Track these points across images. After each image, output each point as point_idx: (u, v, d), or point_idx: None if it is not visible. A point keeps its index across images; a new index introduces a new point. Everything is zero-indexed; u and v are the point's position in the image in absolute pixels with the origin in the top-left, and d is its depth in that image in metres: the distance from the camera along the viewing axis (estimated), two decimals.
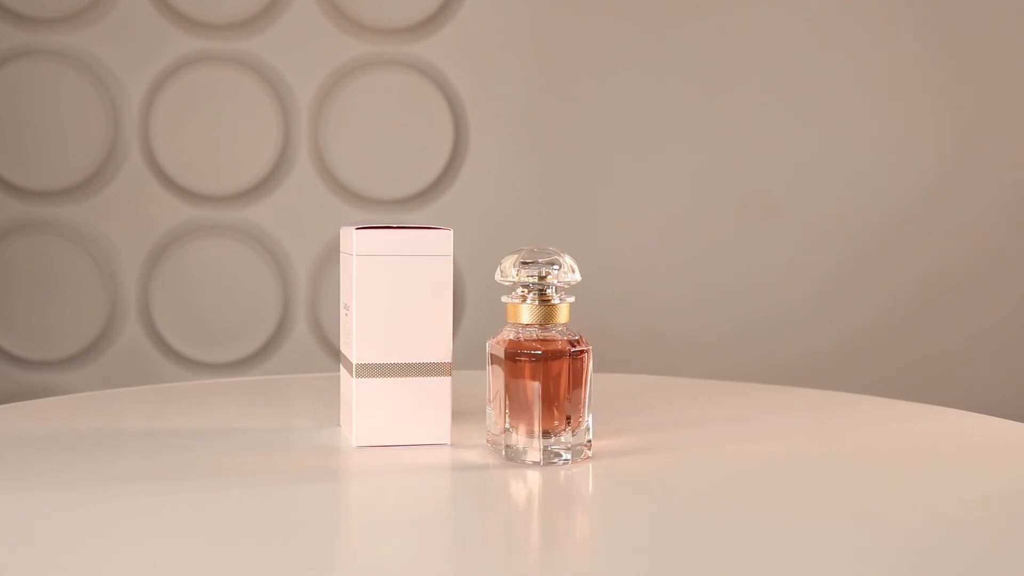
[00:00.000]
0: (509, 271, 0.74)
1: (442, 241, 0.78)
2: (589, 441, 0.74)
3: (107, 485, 0.69)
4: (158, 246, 1.75)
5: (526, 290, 0.74)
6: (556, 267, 0.73)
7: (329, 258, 1.76)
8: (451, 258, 0.79)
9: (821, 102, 1.77)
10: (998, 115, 1.77)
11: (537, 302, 0.73)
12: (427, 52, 1.75)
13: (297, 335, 1.76)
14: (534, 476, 0.72)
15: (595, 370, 1.17)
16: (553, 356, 0.73)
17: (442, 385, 0.79)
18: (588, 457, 0.74)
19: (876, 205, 1.77)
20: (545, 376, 0.72)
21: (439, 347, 0.79)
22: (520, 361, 0.73)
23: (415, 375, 0.78)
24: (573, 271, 0.74)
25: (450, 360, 0.79)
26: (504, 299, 0.75)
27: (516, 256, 0.74)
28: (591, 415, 0.75)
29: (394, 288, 0.78)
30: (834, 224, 1.77)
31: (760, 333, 1.78)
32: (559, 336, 0.74)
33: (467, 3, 1.74)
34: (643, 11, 1.76)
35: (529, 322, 0.74)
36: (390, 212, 1.76)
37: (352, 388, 0.78)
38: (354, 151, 1.76)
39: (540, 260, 0.74)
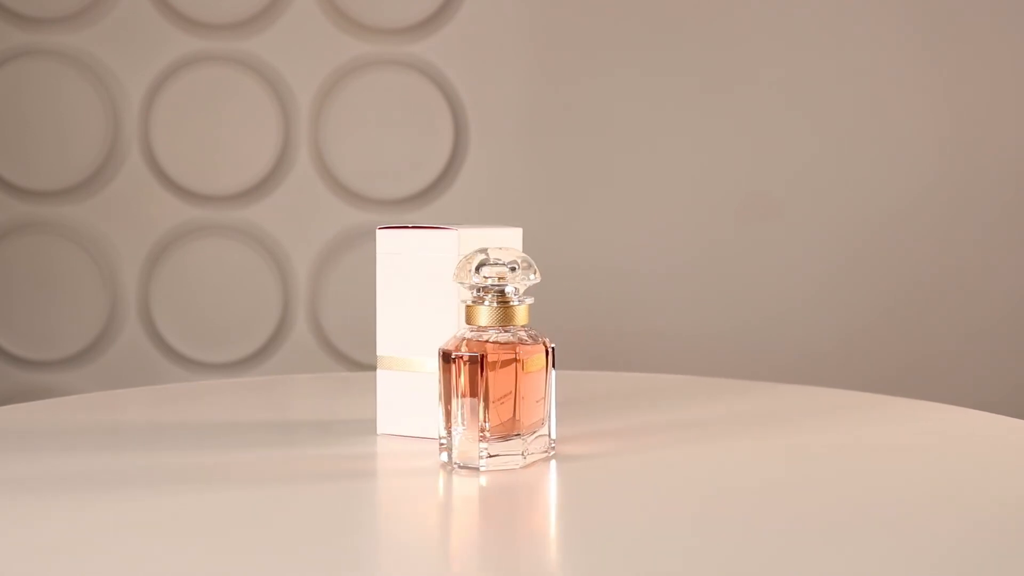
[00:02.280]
0: (467, 272, 0.73)
1: (455, 241, 0.79)
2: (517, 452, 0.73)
3: (119, 486, 0.69)
4: (158, 246, 1.75)
5: (484, 292, 0.73)
6: (514, 268, 0.73)
7: (329, 258, 1.76)
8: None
9: (821, 102, 1.77)
10: (998, 115, 1.77)
11: (495, 304, 0.73)
12: (427, 52, 1.75)
13: (297, 335, 1.76)
14: (461, 482, 0.72)
15: (594, 369, 1.17)
16: (466, 361, 0.72)
17: None
18: (513, 466, 0.73)
19: (876, 205, 1.77)
20: (468, 380, 0.72)
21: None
22: (445, 363, 0.72)
23: (433, 370, 0.80)
24: (534, 273, 0.74)
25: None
26: (462, 301, 0.74)
27: (474, 257, 0.73)
28: (512, 420, 0.73)
29: (415, 285, 0.80)
30: (834, 224, 1.77)
31: (760, 333, 1.78)
32: (494, 340, 0.72)
33: (467, 3, 1.74)
34: (643, 11, 1.76)
35: (486, 324, 0.73)
36: (390, 212, 1.76)
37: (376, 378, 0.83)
38: (354, 151, 1.76)
39: (498, 262, 0.73)
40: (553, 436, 0.75)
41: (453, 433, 0.72)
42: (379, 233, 0.82)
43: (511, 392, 0.72)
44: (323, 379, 1.19)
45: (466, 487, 0.70)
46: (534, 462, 0.74)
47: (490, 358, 0.71)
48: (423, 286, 0.80)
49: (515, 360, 0.72)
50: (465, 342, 0.72)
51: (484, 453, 0.72)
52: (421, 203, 1.76)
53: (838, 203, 1.77)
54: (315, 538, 0.59)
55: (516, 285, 0.73)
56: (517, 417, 0.72)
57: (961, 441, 0.85)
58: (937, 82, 1.77)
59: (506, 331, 0.72)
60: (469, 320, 0.73)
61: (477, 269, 0.73)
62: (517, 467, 0.72)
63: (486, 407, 0.71)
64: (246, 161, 1.76)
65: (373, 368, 1.80)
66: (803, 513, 0.64)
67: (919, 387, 1.72)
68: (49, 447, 0.80)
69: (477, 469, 0.72)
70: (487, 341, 0.72)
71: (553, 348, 0.74)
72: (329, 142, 1.76)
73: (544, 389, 0.74)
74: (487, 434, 0.71)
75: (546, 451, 0.75)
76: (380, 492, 0.70)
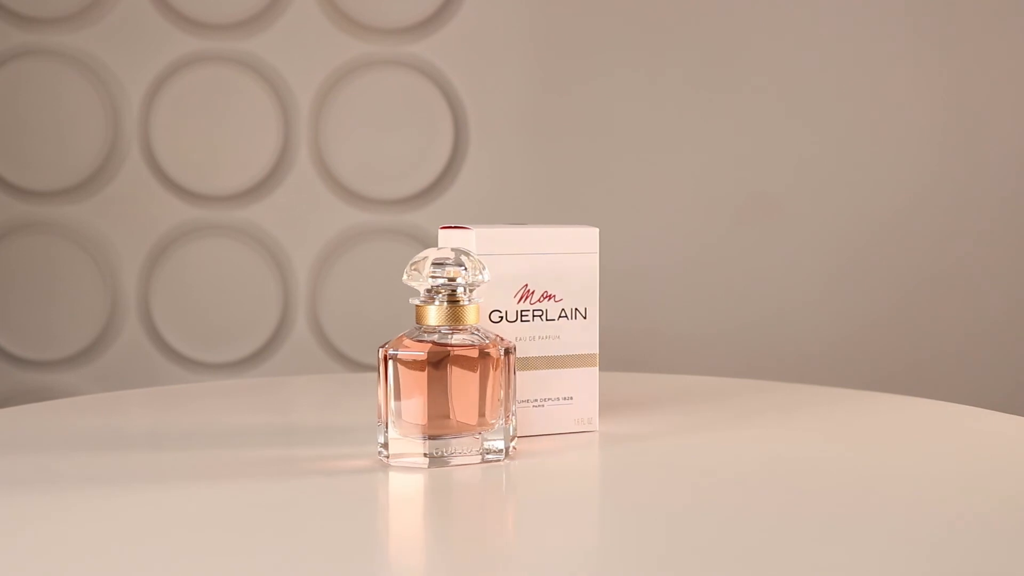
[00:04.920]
0: (417, 272, 0.74)
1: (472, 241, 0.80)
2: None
3: (119, 486, 0.69)
4: (158, 246, 1.75)
5: (433, 291, 0.74)
6: (464, 268, 0.73)
7: (329, 258, 1.76)
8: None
9: (821, 102, 1.77)
10: (998, 114, 1.77)
11: (446, 304, 0.73)
12: (427, 52, 1.75)
13: (297, 335, 1.76)
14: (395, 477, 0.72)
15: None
16: (404, 361, 0.73)
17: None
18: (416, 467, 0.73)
19: (876, 205, 1.77)
20: (402, 378, 0.72)
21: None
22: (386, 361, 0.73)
23: None
24: (481, 272, 0.74)
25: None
26: (412, 301, 0.75)
27: (424, 257, 0.74)
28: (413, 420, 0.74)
29: None
30: (834, 224, 1.77)
31: (760, 332, 1.78)
32: (422, 339, 0.73)
33: (467, 3, 1.74)
34: (643, 11, 1.76)
35: (437, 324, 0.73)
36: (390, 212, 1.76)
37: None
38: (354, 151, 1.76)
39: (448, 261, 0.74)
40: (511, 435, 0.75)
41: (381, 429, 0.74)
42: (441, 233, 0.82)
43: (423, 390, 0.72)
44: (324, 380, 1.19)
45: (439, 484, 0.70)
46: (489, 461, 0.74)
47: (403, 357, 0.72)
48: None
49: (445, 359, 0.72)
50: (400, 341, 0.73)
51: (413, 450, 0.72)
52: (421, 203, 1.76)
53: (838, 203, 1.77)
54: (311, 537, 0.59)
55: (466, 284, 0.73)
56: (436, 415, 0.72)
57: (965, 439, 0.85)
58: (937, 82, 1.77)
59: (453, 331, 0.73)
60: (418, 320, 0.74)
61: (427, 269, 0.73)
62: (427, 467, 0.73)
63: (411, 404, 0.72)
64: (246, 161, 1.76)
65: (373, 369, 1.80)
66: (797, 510, 0.64)
67: (919, 386, 1.72)
68: (50, 449, 0.80)
69: (398, 465, 0.73)
70: (412, 338, 0.73)
71: (507, 350, 0.74)
72: (329, 142, 1.76)
73: (498, 389, 0.74)
74: (390, 428, 0.73)
75: (503, 450, 0.75)
76: (370, 491, 0.70)
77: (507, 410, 0.74)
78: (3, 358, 1.75)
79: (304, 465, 0.75)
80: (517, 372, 0.79)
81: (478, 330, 0.74)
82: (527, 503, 0.69)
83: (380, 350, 0.73)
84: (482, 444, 0.74)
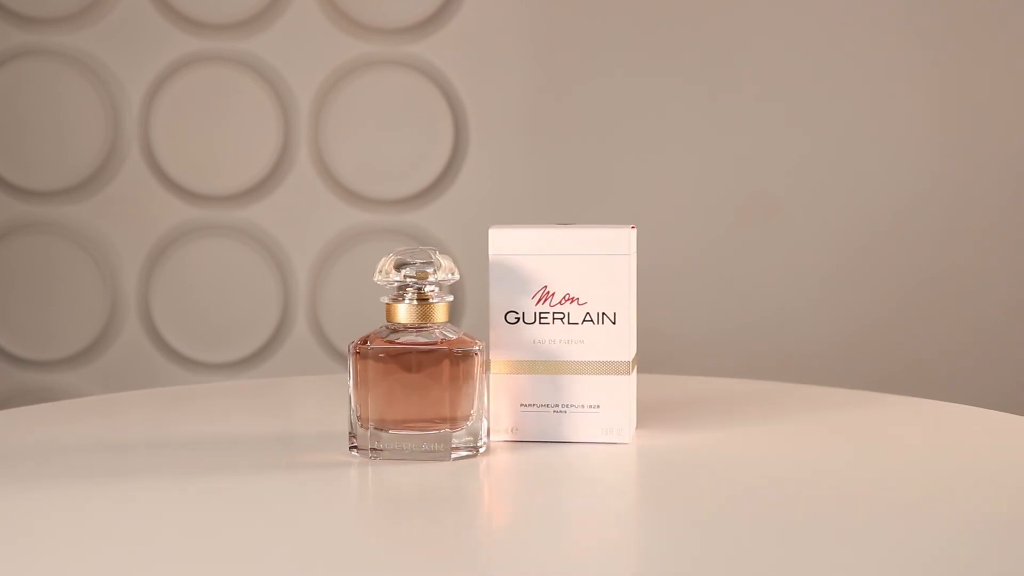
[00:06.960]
0: (387, 271, 0.75)
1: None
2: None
3: (118, 489, 0.70)
4: (158, 246, 1.75)
5: (403, 290, 0.74)
6: (432, 267, 0.74)
7: (329, 258, 1.76)
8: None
9: (821, 102, 1.77)
10: (998, 115, 1.77)
11: (415, 302, 0.74)
12: (427, 52, 1.75)
13: (297, 335, 1.76)
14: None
15: None
16: (367, 355, 0.74)
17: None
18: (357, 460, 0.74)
19: (877, 204, 1.77)
20: (362, 374, 0.74)
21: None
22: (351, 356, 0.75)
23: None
24: (452, 272, 0.75)
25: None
26: (382, 299, 0.75)
27: (393, 256, 0.74)
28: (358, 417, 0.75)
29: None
30: (834, 224, 1.77)
31: (760, 333, 1.78)
32: (385, 335, 0.75)
33: (467, 3, 1.74)
34: (643, 11, 1.76)
35: (405, 322, 0.74)
36: (390, 212, 1.76)
37: None
38: (354, 151, 1.76)
39: (418, 260, 0.74)
40: (482, 435, 0.75)
41: (352, 421, 0.75)
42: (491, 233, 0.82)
43: (377, 385, 0.73)
44: (324, 380, 1.19)
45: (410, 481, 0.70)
46: (454, 459, 0.74)
47: (360, 351, 0.74)
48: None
49: (402, 356, 0.73)
50: (368, 338, 0.75)
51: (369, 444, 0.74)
52: (421, 203, 1.76)
53: (838, 203, 1.77)
54: (299, 533, 0.59)
55: (437, 281, 0.74)
56: (387, 412, 0.73)
57: (965, 439, 0.85)
58: (937, 82, 1.77)
59: (420, 329, 0.74)
60: (388, 318, 0.75)
61: (396, 267, 0.74)
62: (372, 460, 0.73)
63: (361, 398, 0.74)
64: (246, 161, 1.76)
65: None
66: (797, 510, 0.64)
67: (919, 386, 1.72)
68: (52, 450, 0.80)
69: (366, 457, 0.74)
70: (378, 336, 0.75)
71: (473, 349, 0.74)
72: (329, 142, 1.76)
73: (461, 388, 0.74)
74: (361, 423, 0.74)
75: (472, 449, 0.75)
76: (357, 489, 0.70)
77: (463, 409, 0.74)
78: (3, 358, 1.75)
79: (299, 463, 0.75)
80: (533, 375, 0.79)
81: (446, 328, 0.75)
82: (474, 503, 0.69)
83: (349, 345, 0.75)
84: (443, 441, 0.74)
